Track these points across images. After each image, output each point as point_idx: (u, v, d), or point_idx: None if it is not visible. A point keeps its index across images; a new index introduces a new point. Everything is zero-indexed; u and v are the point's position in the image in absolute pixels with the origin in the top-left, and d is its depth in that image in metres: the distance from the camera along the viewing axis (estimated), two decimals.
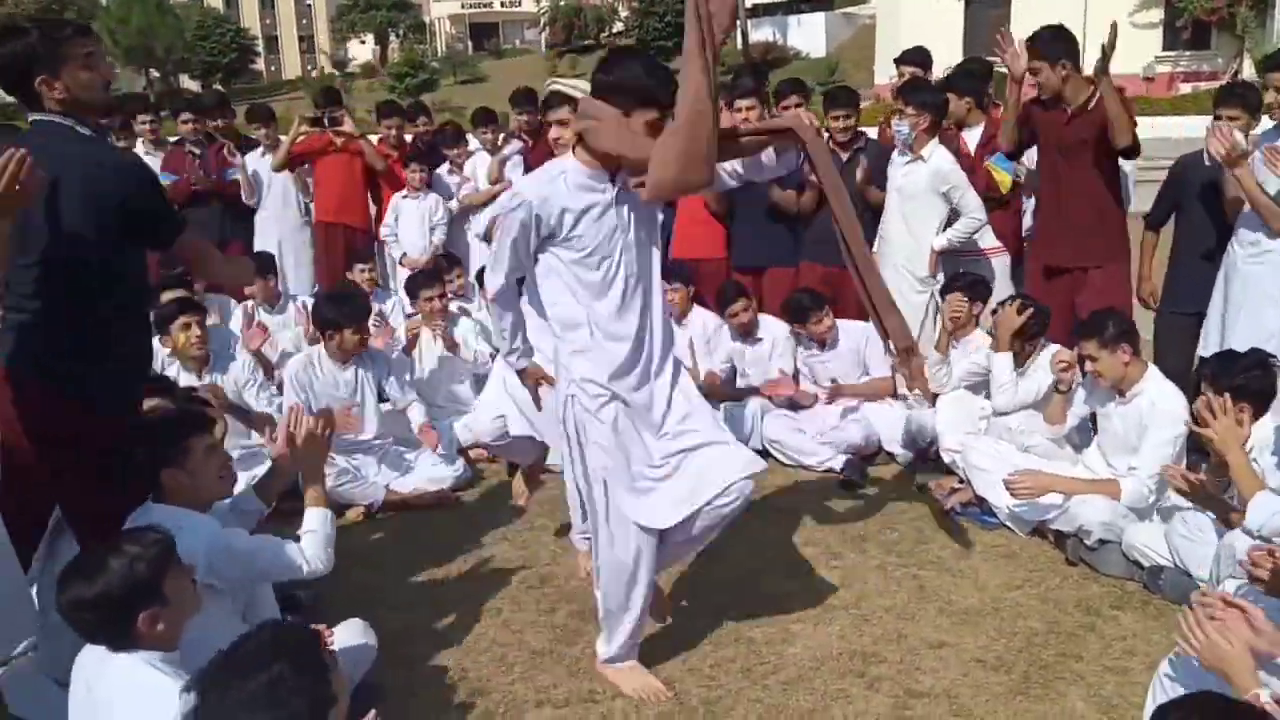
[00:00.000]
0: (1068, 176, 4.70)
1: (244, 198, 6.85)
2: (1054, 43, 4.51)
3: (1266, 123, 4.52)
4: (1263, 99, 4.37)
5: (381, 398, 4.96)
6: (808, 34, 34.94)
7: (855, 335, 5.17)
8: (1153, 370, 4.00)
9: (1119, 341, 3.89)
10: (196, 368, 4.70)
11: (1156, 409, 3.88)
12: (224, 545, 2.80)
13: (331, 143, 6.83)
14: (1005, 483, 4.00)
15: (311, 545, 2.91)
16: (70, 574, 2.31)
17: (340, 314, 4.71)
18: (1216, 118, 4.44)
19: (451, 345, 5.40)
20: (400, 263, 6.86)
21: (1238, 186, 4.26)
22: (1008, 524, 4.26)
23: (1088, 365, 3.96)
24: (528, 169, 6.82)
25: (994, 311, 4.66)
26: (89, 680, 2.32)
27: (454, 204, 6.96)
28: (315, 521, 2.97)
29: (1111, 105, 4.35)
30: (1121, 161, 4.69)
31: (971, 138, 5.46)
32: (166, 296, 5.12)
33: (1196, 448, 4.04)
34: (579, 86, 2.92)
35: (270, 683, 1.82)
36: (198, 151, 6.73)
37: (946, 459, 4.64)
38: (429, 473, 4.86)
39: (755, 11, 36.60)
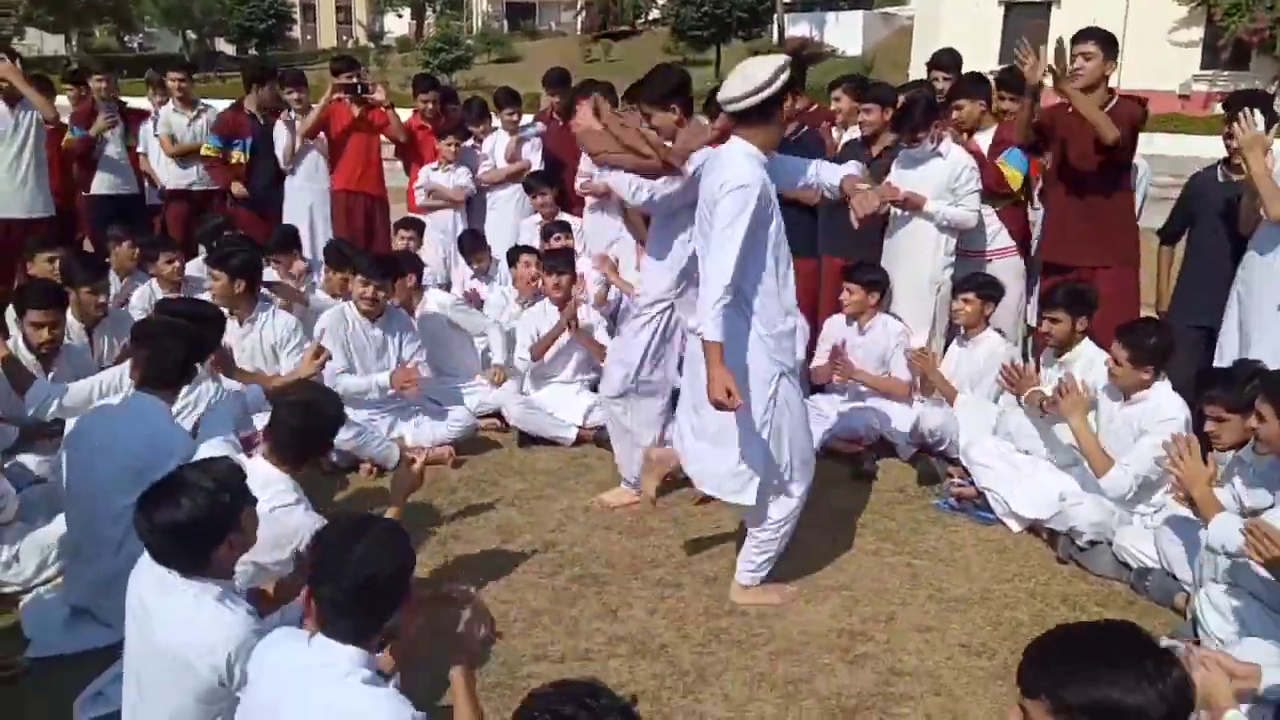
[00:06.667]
0: (1081, 178, 4.80)
1: (282, 164, 6.98)
2: (1109, 42, 4.73)
3: None
4: None
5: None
6: (844, 32, 34.76)
7: (889, 333, 5.21)
8: (1163, 381, 4.06)
9: (1148, 361, 3.97)
10: (239, 316, 4.85)
11: (1159, 414, 3.94)
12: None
13: (355, 117, 6.94)
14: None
15: None
16: (156, 499, 2.38)
17: (352, 259, 5.17)
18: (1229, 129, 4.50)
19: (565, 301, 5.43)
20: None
21: (1246, 168, 4.24)
22: (1004, 520, 4.34)
23: (1109, 364, 4.08)
24: (546, 151, 6.87)
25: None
26: (145, 601, 2.43)
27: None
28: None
29: (1084, 109, 4.57)
30: (1137, 159, 4.83)
31: (984, 140, 5.48)
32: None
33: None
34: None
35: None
36: (260, 118, 6.94)
37: (960, 456, 4.69)
38: (443, 423, 5.11)
39: (793, 7, 36.45)
